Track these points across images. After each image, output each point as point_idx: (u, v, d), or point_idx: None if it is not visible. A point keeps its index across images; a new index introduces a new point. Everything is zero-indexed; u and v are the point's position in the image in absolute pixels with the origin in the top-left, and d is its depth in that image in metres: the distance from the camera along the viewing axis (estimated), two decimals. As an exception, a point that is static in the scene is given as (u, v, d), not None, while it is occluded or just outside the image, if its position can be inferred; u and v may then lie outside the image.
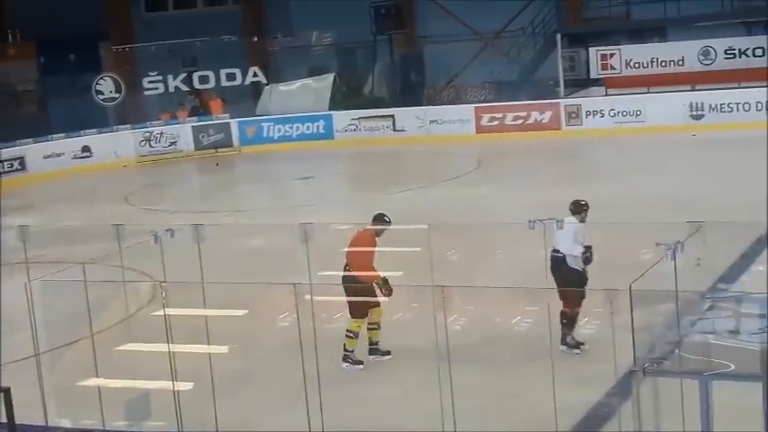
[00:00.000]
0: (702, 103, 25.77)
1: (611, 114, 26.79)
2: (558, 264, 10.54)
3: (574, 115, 27.32)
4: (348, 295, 10.69)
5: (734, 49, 27.28)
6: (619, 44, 29.12)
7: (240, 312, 11.83)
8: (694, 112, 25.83)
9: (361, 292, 10.57)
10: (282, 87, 32.40)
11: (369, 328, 10.86)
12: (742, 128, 24.48)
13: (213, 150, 29.94)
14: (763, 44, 27.07)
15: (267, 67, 33.53)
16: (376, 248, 10.81)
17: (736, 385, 6.59)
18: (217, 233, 14.41)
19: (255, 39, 33.92)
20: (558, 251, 10.55)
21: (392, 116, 29.69)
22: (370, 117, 29.96)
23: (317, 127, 30.36)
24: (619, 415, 7.67)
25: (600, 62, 28.68)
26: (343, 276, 10.72)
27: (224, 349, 10.19)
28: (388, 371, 10.65)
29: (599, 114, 27.03)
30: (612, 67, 28.55)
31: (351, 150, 29.11)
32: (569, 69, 29.84)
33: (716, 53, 27.39)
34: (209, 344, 9.22)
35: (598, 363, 9.34)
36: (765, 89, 25.29)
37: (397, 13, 33.38)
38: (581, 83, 29.75)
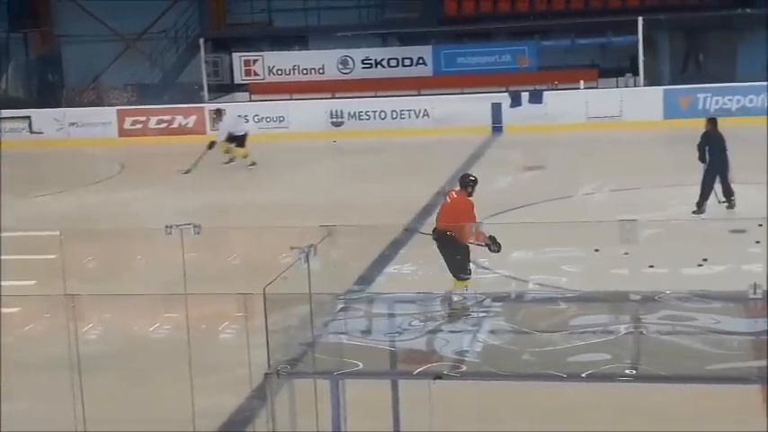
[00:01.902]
0: (342, 111, 26.67)
1: (256, 120, 27.01)
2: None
3: (218, 120, 27.28)
4: (449, 257, 11.35)
5: (371, 60, 28.48)
6: (262, 51, 29.53)
7: None
8: (334, 119, 26.67)
9: (463, 251, 11.32)
10: None
11: None
12: (379, 135, 25.61)
13: None
14: (398, 55, 28.49)
15: None
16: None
17: (367, 383, 6.83)
18: None
19: None
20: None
21: (29, 118, 28.28)
22: (4, 118, 28.34)
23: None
24: (257, 417, 7.71)
25: (243, 68, 28.96)
26: (440, 240, 11.42)
27: None
28: (19, 383, 10.06)
29: (243, 119, 27.16)
30: (256, 73, 28.91)
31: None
32: (213, 74, 29.84)
33: (354, 63, 28.49)
34: None
35: (239, 367, 9.34)
36: (397, 98, 26.62)
37: (32, 10, 31.86)
38: (225, 88, 29.83)
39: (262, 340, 6.54)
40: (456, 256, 11.47)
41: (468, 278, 11.44)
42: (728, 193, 15.51)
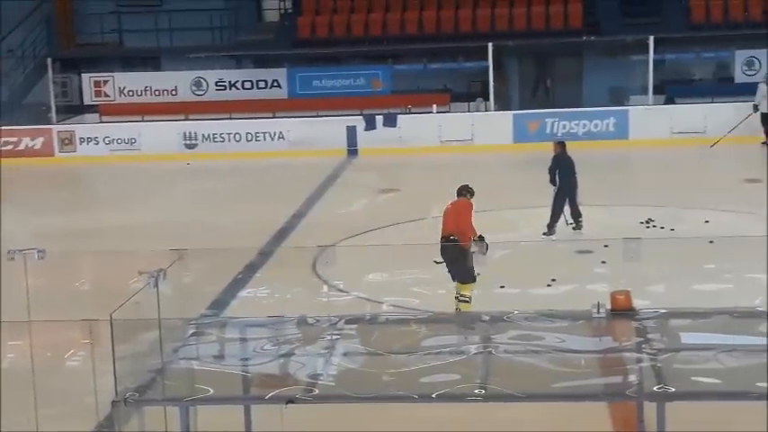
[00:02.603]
0: (196, 133, 26.35)
1: (107, 142, 26.49)
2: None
3: (67, 142, 26.65)
4: (451, 262, 11.82)
5: (225, 81, 28.29)
6: (112, 71, 28.98)
7: None
8: (188, 141, 26.33)
9: (464, 257, 11.72)
10: None
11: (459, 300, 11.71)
12: (233, 157, 25.42)
13: None
14: (253, 77, 28.38)
15: None
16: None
17: (220, 409, 6.74)
18: None
19: None
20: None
21: None
22: None
23: None
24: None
25: (93, 89, 28.38)
26: (443, 247, 11.83)
27: None
28: None
29: (93, 141, 26.61)
30: (107, 95, 28.36)
31: None
32: (62, 95, 29.09)
33: (208, 84, 28.24)
34: None
35: (87, 395, 9.08)
36: (252, 120, 26.50)
37: None
38: (75, 109, 29.12)
39: (109, 367, 6.38)
40: (459, 261, 11.88)
41: (473, 282, 11.83)
42: (576, 214, 15.95)
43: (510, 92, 28.68)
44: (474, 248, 11.86)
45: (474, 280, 11.84)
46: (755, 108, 23.56)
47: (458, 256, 11.87)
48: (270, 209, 18.91)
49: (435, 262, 12.16)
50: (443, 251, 11.95)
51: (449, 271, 12.02)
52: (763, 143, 23.52)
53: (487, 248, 11.96)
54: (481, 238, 12.01)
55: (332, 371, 6.73)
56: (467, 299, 11.79)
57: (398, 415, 7.43)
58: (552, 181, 15.94)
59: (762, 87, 23.81)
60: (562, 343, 7.04)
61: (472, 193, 12.67)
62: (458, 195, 12.69)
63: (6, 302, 10.97)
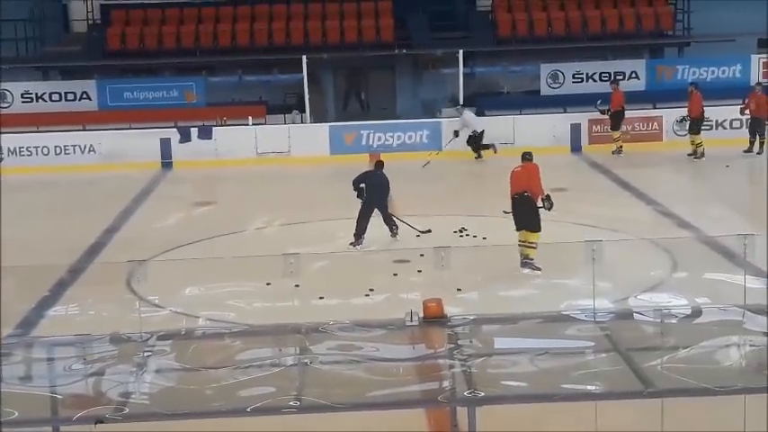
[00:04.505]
0: (1, 146, 25.33)
1: None
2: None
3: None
4: (524, 213, 14.18)
5: (31, 94, 27.30)
6: None
7: None
8: (-7, 156, 25.29)
9: (536, 210, 14.19)
10: None
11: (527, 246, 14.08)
12: (42, 171, 24.59)
13: None
14: (61, 89, 27.48)
15: None
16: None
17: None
18: None
19: None
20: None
21: None
22: None
23: None
24: None
25: None
26: (519, 199, 14.25)
27: None
28: None
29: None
30: None
31: None
32: None
33: (13, 97, 27.14)
34: None
35: None
36: (61, 133, 25.71)
37: None
38: None
39: None
40: (531, 212, 14.19)
41: (540, 231, 14.11)
42: (390, 223, 16.23)
43: (326, 104, 28.85)
44: (542, 204, 14.21)
45: (540, 230, 14.10)
46: (456, 134, 24.88)
47: (531, 208, 14.20)
48: (81, 224, 18.39)
49: (504, 212, 14.61)
50: (518, 204, 14.28)
51: (517, 222, 14.30)
52: (476, 157, 24.91)
53: (552, 206, 14.22)
54: (548, 197, 14.24)
55: (145, 388, 6.59)
56: (534, 245, 14.06)
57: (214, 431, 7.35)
58: (359, 195, 16.15)
59: (465, 115, 25.07)
60: (377, 352, 7.13)
61: (532, 155, 14.89)
62: (523, 160, 14.78)
63: None
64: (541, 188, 14.36)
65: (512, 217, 14.47)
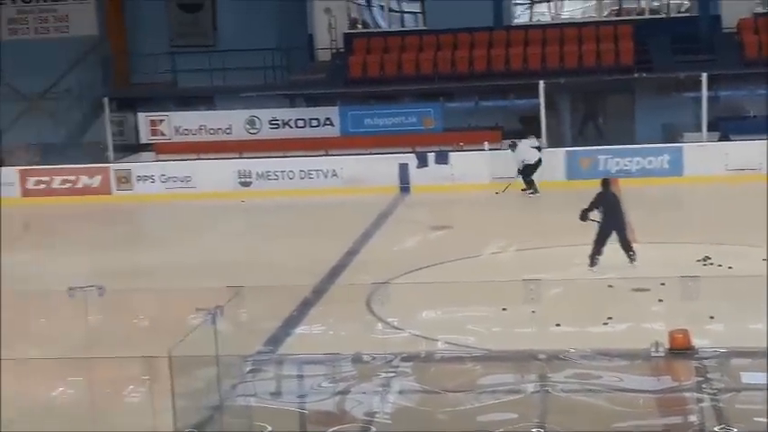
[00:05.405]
0: (250, 171, 26.58)
1: (162, 180, 26.81)
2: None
3: (124, 180, 27.00)
4: None
5: (278, 120, 28.55)
6: (167, 110, 29.38)
7: None
8: (242, 179, 26.56)
9: None
10: None
11: None
12: (287, 195, 25.60)
13: None
14: (305, 116, 28.61)
15: None
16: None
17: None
18: None
19: None
20: None
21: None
22: None
23: None
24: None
25: (149, 127, 28.75)
26: None
27: None
28: None
29: (150, 180, 26.94)
30: (162, 133, 28.74)
31: None
32: (118, 134, 29.53)
33: (261, 123, 28.52)
34: None
35: (144, 430, 9.15)
36: (306, 158, 26.72)
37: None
38: (131, 148, 29.53)
39: (168, 404, 6.44)
40: None
41: None
42: (627, 248, 15.89)
43: (562, 129, 28.60)
44: None
45: None
46: (519, 171, 24.63)
47: None
48: (323, 246, 18.97)
49: None
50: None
51: None
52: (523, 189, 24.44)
53: None
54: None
55: (388, 408, 6.73)
56: None
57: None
58: (583, 218, 15.98)
59: (518, 150, 24.66)
60: (620, 382, 7.00)
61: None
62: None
63: (66, 339, 11.15)
64: None
65: None
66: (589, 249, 15.83)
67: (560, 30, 28.89)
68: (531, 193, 24.43)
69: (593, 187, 16.68)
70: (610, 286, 12.98)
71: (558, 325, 12.55)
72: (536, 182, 24.44)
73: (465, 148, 26.65)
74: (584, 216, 16.01)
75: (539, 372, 7.29)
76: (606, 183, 16.44)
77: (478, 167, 25.74)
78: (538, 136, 26.18)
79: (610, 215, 15.88)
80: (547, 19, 30.92)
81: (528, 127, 27.11)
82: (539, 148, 24.83)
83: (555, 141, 27.00)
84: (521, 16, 31.07)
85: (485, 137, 26.67)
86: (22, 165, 28.29)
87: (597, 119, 29.53)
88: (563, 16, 31.19)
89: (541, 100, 25.96)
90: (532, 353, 7.74)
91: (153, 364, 6.90)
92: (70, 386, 10.51)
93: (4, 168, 28.01)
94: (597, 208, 15.95)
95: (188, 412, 6.37)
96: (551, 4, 31.05)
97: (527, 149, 24.90)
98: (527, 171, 24.64)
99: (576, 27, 28.96)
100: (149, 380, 6.82)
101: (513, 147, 25.10)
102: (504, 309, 12.81)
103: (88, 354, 9.57)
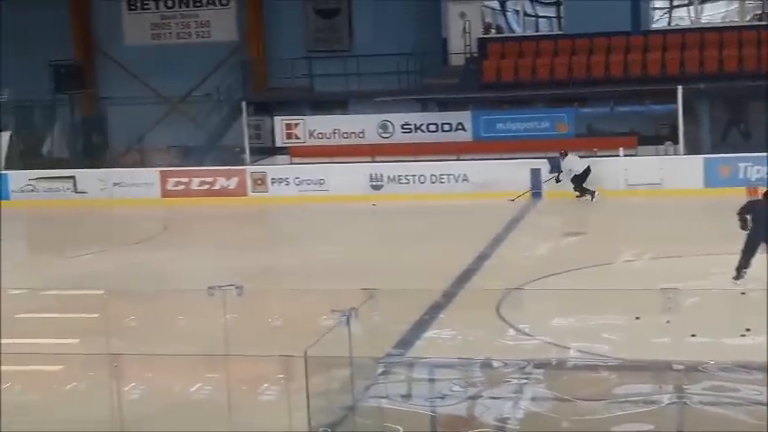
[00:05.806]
0: (382, 174, 26.80)
1: (296, 182, 27.29)
2: None
3: (260, 182, 27.59)
4: None
5: (410, 124, 28.70)
6: (303, 114, 29.88)
7: None
8: (374, 183, 26.81)
9: None
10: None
11: None
12: (418, 198, 25.70)
13: None
14: (438, 120, 28.68)
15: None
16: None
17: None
18: None
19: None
20: None
21: (73, 177, 28.68)
22: (48, 178, 28.79)
23: (-9, 187, 28.82)
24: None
25: (285, 131, 29.29)
26: None
27: None
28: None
29: (284, 182, 27.46)
30: (297, 137, 29.22)
31: (27, 212, 27.78)
32: (255, 137, 30.17)
33: (394, 127, 28.71)
34: None
35: (279, 429, 9.33)
36: (437, 162, 26.79)
37: (78, 72, 32.53)
38: (267, 151, 30.14)
39: (302, 403, 6.56)
40: None
41: None
42: (745, 264, 15.35)
43: (700, 135, 27.92)
44: None
45: None
46: (558, 180, 25.12)
47: None
48: (454, 250, 18.98)
49: None
50: None
51: None
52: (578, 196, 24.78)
53: None
54: None
55: (519, 415, 6.71)
56: None
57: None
58: (743, 226, 15.43)
59: (566, 161, 24.91)
60: (760, 396, 6.81)
61: None
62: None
63: (204, 336, 11.45)
64: None
65: None
66: (731, 259, 15.40)
67: (700, 34, 28.22)
68: (589, 198, 24.56)
69: (734, 196, 16.24)
70: (743, 293, 12.57)
71: (693, 336, 12.28)
72: (590, 188, 24.72)
73: (599, 155, 26.28)
74: (744, 224, 15.48)
75: (675, 383, 7.15)
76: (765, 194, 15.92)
77: (613, 174, 25.35)
78: (675, 142, 25.66)
79: (760, 225, 15.38)
80: (686, 23, 30.26)
81: (664, 133, 26.62)
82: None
83: (692, 148, 26.39)
84: (659, 21, 30.50)
85: (620, 143, 26.25)
86: (163, 166, 29.20)
87: (738, 125, 28.71)
88: (703, 20, 30.48)
89: (679, 106, 25.40)
90: (668, 363, 7.59)
91: (288, 363, 7.03)
92: (207, 382, 10.81)
93: (145, 169, 28.99)
94: (746, 215, 15.47)
95: (322, 412, 6.48)
96: (691, 8, 30.38)
97: (575, 160, 25.02)
98: (576, 180, 24.79)
99: (718, 32, 28.24)
100: (285, 379, 6.95)
101: (563, 156, 25.18)
102: (637, 318, 12.59)
103: (225, 351, 9.80)
